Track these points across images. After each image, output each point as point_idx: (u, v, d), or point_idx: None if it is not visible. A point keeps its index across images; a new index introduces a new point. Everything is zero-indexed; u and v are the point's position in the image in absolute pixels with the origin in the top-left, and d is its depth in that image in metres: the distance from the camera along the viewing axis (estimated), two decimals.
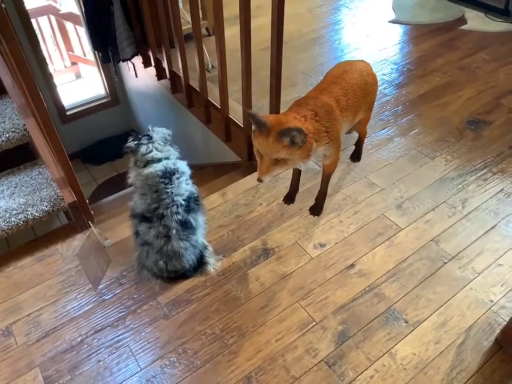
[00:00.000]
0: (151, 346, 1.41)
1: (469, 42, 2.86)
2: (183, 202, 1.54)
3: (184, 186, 1.58)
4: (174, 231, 1.52)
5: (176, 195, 1.54)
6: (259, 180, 1.41)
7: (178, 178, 1.57)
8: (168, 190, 1.53)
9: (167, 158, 1.60)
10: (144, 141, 1.59)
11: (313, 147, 1.42)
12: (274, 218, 1.79)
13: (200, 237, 1.61)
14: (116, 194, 2.69)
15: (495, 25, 3.01)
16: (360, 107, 1.65)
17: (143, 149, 1.58)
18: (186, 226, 1.55)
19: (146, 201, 1.54)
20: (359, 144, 2.00)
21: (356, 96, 1.59)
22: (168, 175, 1.55)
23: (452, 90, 2.44)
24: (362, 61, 1.73)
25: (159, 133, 1.64)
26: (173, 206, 1.53)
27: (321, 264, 1.62)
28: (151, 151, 1.58)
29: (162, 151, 1.60)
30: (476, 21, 3.08)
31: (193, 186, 1.63)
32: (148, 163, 1.57)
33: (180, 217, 1.53)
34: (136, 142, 1.59)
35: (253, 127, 1.38)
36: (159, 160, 1.58)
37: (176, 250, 1.52)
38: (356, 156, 2.02)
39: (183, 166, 1.62)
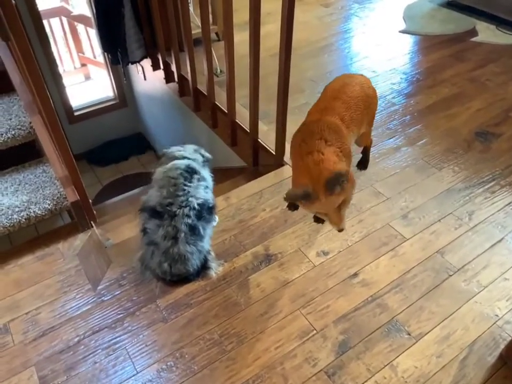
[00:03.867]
0: (148, 350, 1.39)
1: (479, 54, 2.84)
2: (196, 206, 1.54)
3: (202, 192, 1.59)
4: (183, 234, 1.51)
5: (192, 196, 1.54)
6: (340, 230, 1.37)
7: (198, 180, 1.60)
8: (186, 188, 1.54)
9: (194, 160, 1.68)
10: (178, 146, 1.75)
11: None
12: (277, 224, 1.78)
13: (206, 244, 1.60)
14: (120, 196, 2.69)
15: (506, 38, 3.00)
16: (363, 119, 1.62)
17: (173, 148, 1.72)
18: (194, 232, 1.54)
19: (162, 194, 1.54)
20: (365, 152, 1.99)
21: (359, 108, 1.56)
22: (190, 171, 1.59)
23: (461, 101, 2.42)
24: (361, 75, 1.70)
25: (192, 146, 1.78)
26: (186, 206, 1.52)
27: (323, 272, 1.59)
28: (179, 151, 1.70)
29: (190, 154, 1.70)
30: (487, 33, 3.07)
31: (212, 196, 1.64)
32: (173, 159, 1.65)
33: (189, 221, 1.52)
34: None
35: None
36: (185, 158, 1.66)
37: (182, 254, 1.51)
38: (363, 164, 2.00)
39: (206, 173, 1.67)
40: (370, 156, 2.00)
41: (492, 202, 1.84)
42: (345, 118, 1.50)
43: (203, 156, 1.75)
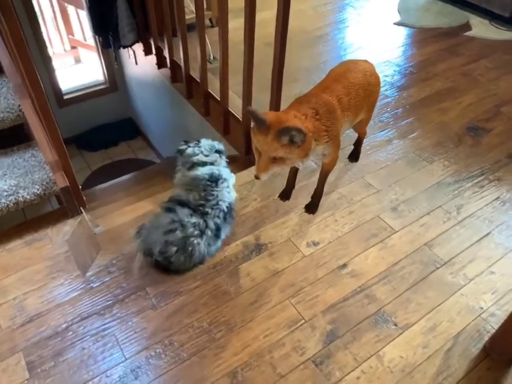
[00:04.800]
0: (137, 337, 1.40)
1: (472, 49, 2.85)
2: (225, 208, 1.60)
3: (226, 194, 1.64)
4: (209, 232, 1.54)
5: (220, 200, 1.60)
6: (256, 178, 1.40)
7: (222, 183, 1.65)
8: (214, 193, 1.60)
9: (211, 164, 1.69)
10: (191, 144, 1.72)
11: (313, 146, 1.41)
12: (268, 214, 1.78)
13: (214, 250, 1.61)
14: (110, 182, 2.66)
15: (499, 33, 3.01)
16: (362, 107, 1.64)
17: (190, 150, 1.69)
18: (217, 234, 1.58)
19: (195, 196, 1.59)
20: (358, 144, 1.99)
21: (358, 96, 1.57)
22: (215, 179, 1.63)
23: (453, 95, 2.44)
24: (366, 61, 1.72)
25: (207, 141, 1.76)
26: (216, 208, 1.58)
27: (313, 262, 1.60)
28: (197, 154, 1.68)
29: (208, 155, 1.70)
30: (480, 27, 3.08)
31: (233, 195, 1.68)
32: (193, 165, 1.67)
33: (218, 221, 1.57)
34: (185, 146, 1.71)
35: (252, 124, 1.36)
36: (204, 163, 1.67)
37: (195, 249, 1.51)
38: (354, 156, 2.01)
39: (226, 173, 1.70)
40: (362, 148, 2.01)
41: (481, 196, 1.86)
42: (343, 102, 1.52)
43: (219, 152, 1.76)
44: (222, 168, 1.70)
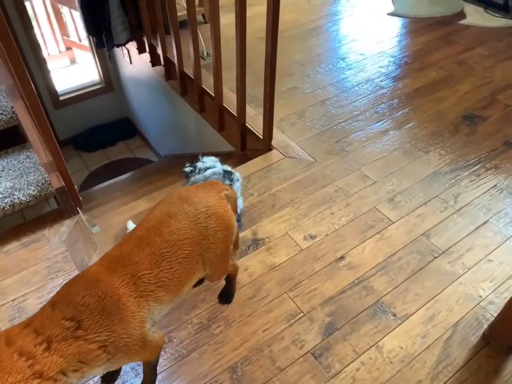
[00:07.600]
0: None
1: (467, 37, 2.83)
2: (239, 210, 1.61)
3: (239, 196, 1.65)
4: None
5: (238, 197, 1.61)
6: None
7: (237, 181, 1.69)
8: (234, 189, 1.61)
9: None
10: (199, 162, 1.77)
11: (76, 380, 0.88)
12: (265, 209, 1.78)
13: None
14: (107, 182, 2.67)
15: (494, 21, 2.99)
16: (193, 271, 1.08)
17: (199, 164, 1.74)
18: None
19: None
20: (229, 281, 1.45)
21: (177, 259, 1.02)
22: (227, 174, 1.67)
23: (448, 84, 2.43)
24: (214, 183, 1.19)
25: (208, 158, 1.80)
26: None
27: (310, 255, 1.60)
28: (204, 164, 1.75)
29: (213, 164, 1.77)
30: (475, 15, 3.06)
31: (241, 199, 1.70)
32: (206, 169, 1.72)
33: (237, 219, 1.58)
34: (191, 167, 1.75)
35: None
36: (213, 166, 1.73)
37: None
38: (225, 297, 1.47)
39: (237, 174, 1.74)
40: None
41: (477, 185, 1.85)
42: (145, 281, 0.98)
43: (215, 160, 1.80)
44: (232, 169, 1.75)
